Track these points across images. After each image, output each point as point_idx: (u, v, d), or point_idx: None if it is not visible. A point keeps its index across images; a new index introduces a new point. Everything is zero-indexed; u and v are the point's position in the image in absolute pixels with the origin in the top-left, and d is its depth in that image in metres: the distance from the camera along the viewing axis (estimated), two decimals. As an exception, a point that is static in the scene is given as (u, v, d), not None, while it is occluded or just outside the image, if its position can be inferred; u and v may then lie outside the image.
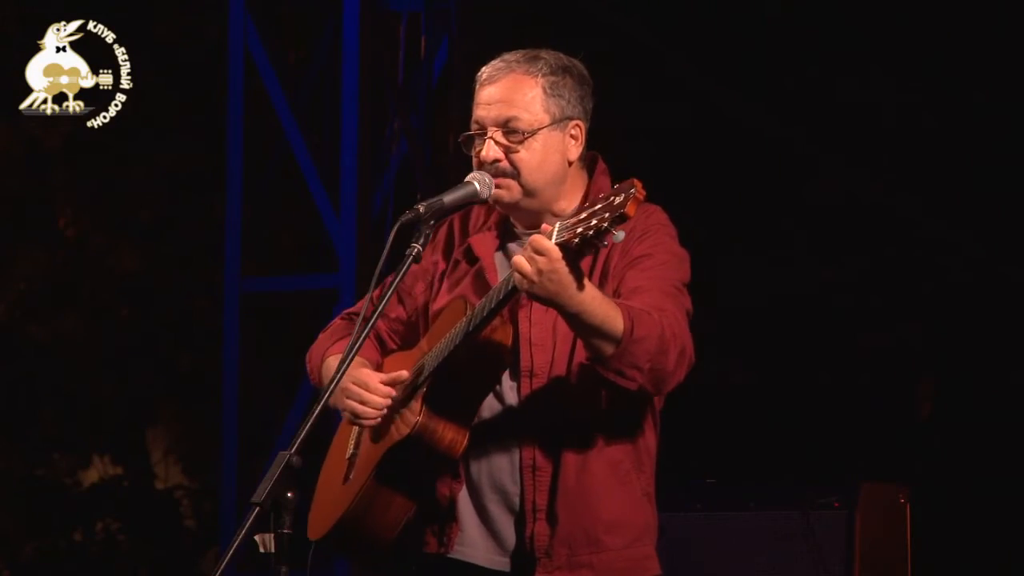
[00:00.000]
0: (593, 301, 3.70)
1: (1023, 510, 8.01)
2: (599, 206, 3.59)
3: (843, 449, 8.14)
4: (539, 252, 3.65)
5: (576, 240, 3.60)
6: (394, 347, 4.18)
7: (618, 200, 3.55)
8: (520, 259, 3.67)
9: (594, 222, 3.57)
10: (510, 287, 3.74)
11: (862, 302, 8.71)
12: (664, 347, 3.77)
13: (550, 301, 3.70)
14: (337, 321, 4.27)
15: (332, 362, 4.11)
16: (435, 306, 4.10)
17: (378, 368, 4.09)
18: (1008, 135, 8.11)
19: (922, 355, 8.73)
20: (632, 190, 3.53)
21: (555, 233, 3.65)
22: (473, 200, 3.99)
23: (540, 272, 3.65)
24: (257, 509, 3.49)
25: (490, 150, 3.98)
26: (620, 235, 3.56)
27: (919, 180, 8.40)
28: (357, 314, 4.04)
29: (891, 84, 8.34)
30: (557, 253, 3.63)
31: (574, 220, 3.63)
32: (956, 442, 8.38)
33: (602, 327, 3.72)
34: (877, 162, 8.52)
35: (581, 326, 3.74)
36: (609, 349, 3.74)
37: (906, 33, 8.15)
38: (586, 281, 3.69)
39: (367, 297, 3.91)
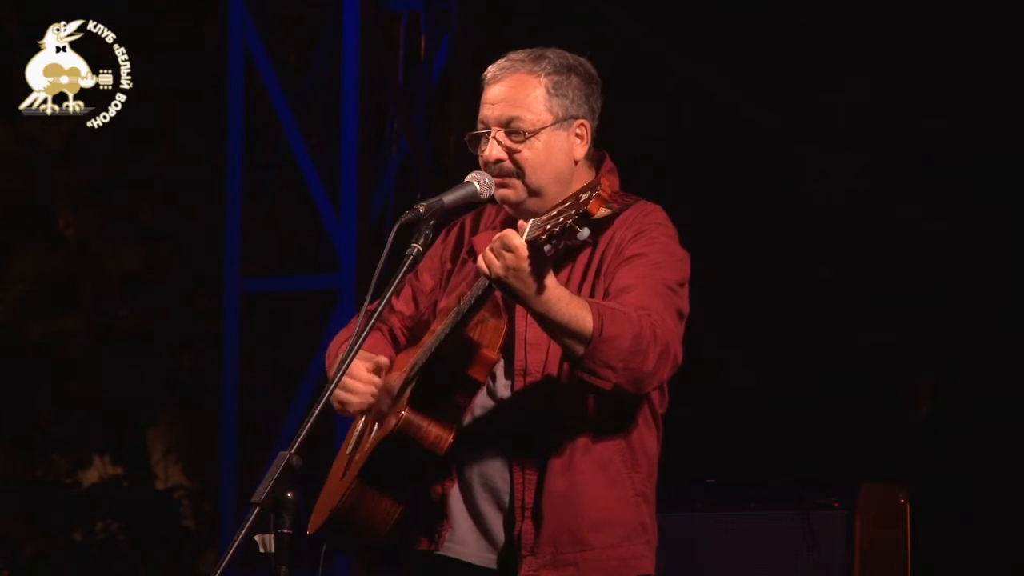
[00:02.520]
0: (559, 301, 3.70)
1: (1023, 510, 8.02)
2: (567, 204, 3.61)
3: (843, 449, 8.14)
4: (507, 248, 3.66)
5: (543, 237, 3.61)
6: (405, 343, 4.19)
7: (583, 198, 3.56)
8: (488, 253, 3.69)
9: (561, 219, 3.59)
10: (487, 284, 3.74)
11: (862, 302, 8.71)
12: (640, 347, 3.76)
13: (515, 297, 3.71)
14: (355, 319, 4.28)
15: None
16: (441, 304, 4.11)
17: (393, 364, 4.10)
18: (1009, 134, 8.11)
19: (922, 355, 8.72)
20: (598, 188, 3.55)
21: (527, 230, 3.66)
22: (473, 200, 3.99)
23: (506, 268, 3.66)
24: (257, 509, 3.48)
25: (493, 150, 3.99)
26: (585, 232, 3.57)
27: (919, 179, 8.40)
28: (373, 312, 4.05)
29: (893, 83, 8.34)
30: (524, 251, 3.64)
31: (545, 218, 3.64)
32: (956, 442, 8.38)
33: (569, 326, 3.72)
34: (877, 161, 8.52)
35: (547, 324, 3.74)
36: (579, 349, 3.74)
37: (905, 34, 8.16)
38: (552, 280, 3.69)
39: (381, 297, 3.90)
